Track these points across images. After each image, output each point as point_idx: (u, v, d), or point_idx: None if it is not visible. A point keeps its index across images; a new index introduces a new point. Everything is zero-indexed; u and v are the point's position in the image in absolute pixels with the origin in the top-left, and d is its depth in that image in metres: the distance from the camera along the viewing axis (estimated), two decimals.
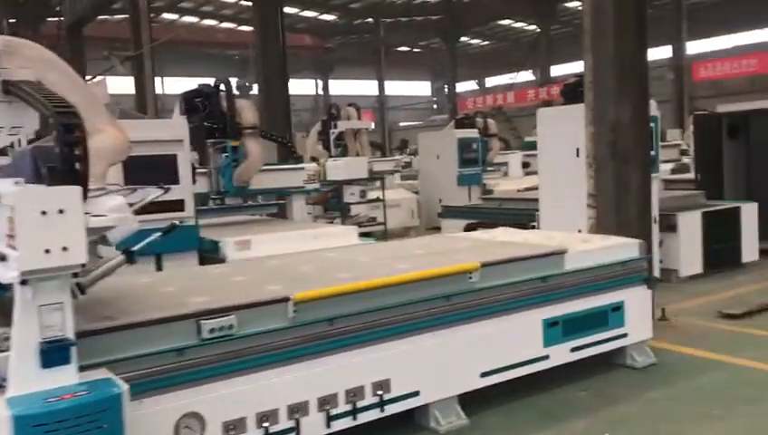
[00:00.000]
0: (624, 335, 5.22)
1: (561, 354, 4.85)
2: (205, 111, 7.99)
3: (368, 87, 46.27)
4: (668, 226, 8.39)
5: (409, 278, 4.15)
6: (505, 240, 5.54)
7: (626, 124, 6.49)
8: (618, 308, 5.18)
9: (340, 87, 49.76)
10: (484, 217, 10.86)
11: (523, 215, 9.62)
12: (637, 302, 5.31)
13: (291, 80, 45.04)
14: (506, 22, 38.95)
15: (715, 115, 10.29)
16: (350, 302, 3.88)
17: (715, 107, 10.57)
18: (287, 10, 38.74)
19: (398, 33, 42.12)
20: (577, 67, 33.31)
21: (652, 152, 7.98)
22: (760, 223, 9.21)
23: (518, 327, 4.63)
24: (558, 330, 4.82)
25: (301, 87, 48.32)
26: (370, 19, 41.04)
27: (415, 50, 47.73)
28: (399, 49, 47.39)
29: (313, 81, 48.10)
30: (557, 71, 41.74)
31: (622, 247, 5.34)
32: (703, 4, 32.88)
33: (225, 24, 40.82)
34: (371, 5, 38.29)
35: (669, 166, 14.02)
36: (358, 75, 47.19)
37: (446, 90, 42.59)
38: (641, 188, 6.66)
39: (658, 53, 32.52)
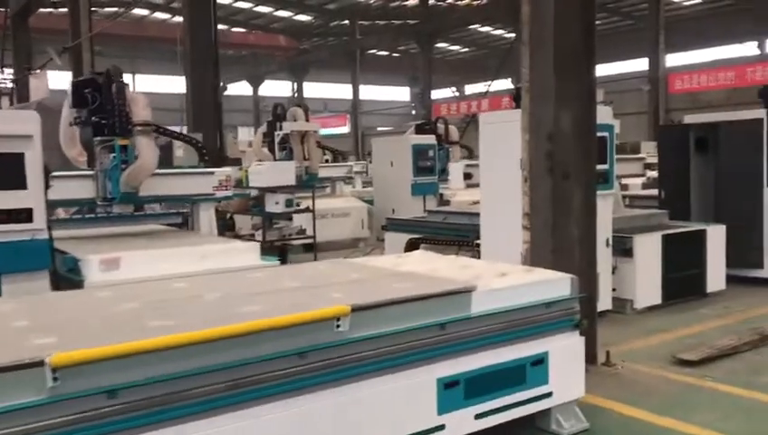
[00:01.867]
0: (547, 395, 4.18)
1: (462, 423, 3.80)
2: (94, 104, 6.89)
3: (344, 90, 45.28)
4: (623, 250, 7.41)
5: (243, 330, 3.08)
6: (409, 270, 4.49)
7: (566, 133, 5.48)
8: (540, 361, 4.14)
9: (316, 89, 48.82)
10: (429, 232, 9.85)
11: (469, 231, 8.61)
12: (565, 352, 4.28)
13: (265, 81, 43.93)
14: (485, 29, 38.14)
15: (682, 126, 9.34)
16: (139, 366, 2.79)
17: None
18: (261, 9, 38.02)
19: (374, 36, 41.17)
20: None
21: (604, 166, 7.05)
22: (728, 247, 8.27)
23: (403, 390, 3.58)
24: (458, 392, 3.77)
25: (276, 88, 47.39)
26: (347, 21, 40.09)
27: (394, 54, 46.82)
28: (378, 53, 46.50)
29: (289, 82, 47.00)
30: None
31: (549, 283, 4.31)
32: (682, 17, 32.33)
33: (178, 19, 39.57)
34: (347, 7, 37.35)
35: (640, 181, 13.13)
36: (333, 78, 46.19)
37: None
38: (584, 207, 5.65)
39: (636, 65, 32.03)
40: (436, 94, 41.64)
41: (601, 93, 25.24)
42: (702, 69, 28.08)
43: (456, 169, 8.37)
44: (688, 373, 5.43)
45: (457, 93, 46.86)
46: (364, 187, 17.96)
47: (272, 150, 13.81)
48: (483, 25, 37.39)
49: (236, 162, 12.17)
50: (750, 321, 7.00)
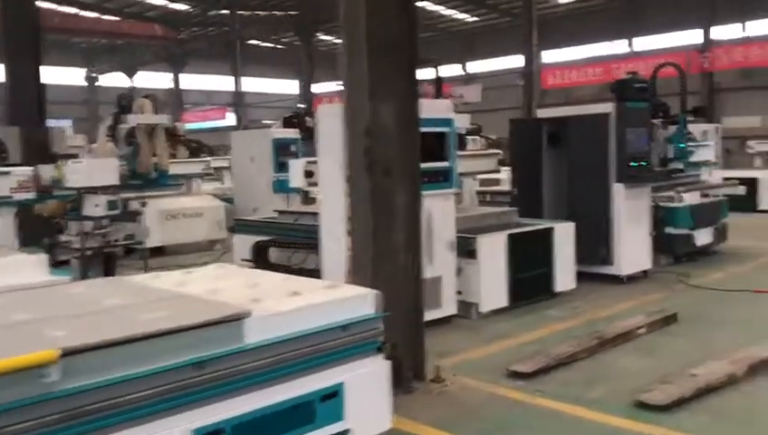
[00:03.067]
0: (343, 433, 3.62)
1: None
2: None
3: (227, 82, 43.72)
4: (468, 251, 7.01)
5: None
6: (187, 292, 3.81)
7: (386, 127, 4.96)
8: (333, 395, 3.57)
9: (198, 81, 47.11)
10: (279, 233, 9.16)
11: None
12: (365, 381, 3.74)
13: (139, 71, 41.74)
14: None
15: (534, 121, 9.11)
16: None
17: None
18: None
19: (255, 26, 39.97)
20: (447, 71, 32.62)
21: (444, 163, 6.62)
22: (579, 245, 8.06)
23: None
24: None
25: (154, 80, 45.28)
26: (226, 11, 38.67)
27: (279, 46, 45.69)
28: (262, 44, 45.25)
29: (169, 74, 44.97)
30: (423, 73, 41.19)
31: (347, 302, 3.74)
32: (557, 15, 33.15)
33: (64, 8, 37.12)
34: None
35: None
36: (215, 69, 44.59)
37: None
38: (409, 208, 5.15)
39: (516, 61, 32.48)
40: (325, 88, 40.90)
41: (479, 89, 25.46)
42: (573, 65, 28.83)
43: (295, 165, 7.71)
44: (520, 387, 5.04)
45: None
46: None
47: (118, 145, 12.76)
48: None
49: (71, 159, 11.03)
50: (596, 322, 6.77)
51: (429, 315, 6.59)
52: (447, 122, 6.70)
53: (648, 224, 8.73)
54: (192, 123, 42.54)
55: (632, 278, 8.52)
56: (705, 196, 10.31)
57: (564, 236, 7.85)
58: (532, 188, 8.96)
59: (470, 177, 9.35)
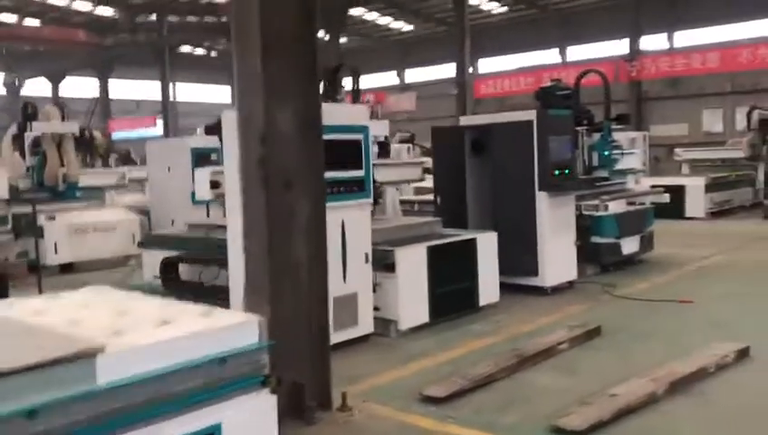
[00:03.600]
0: None
1: None
2: None
3: (157, 90, 42.45)
4: (385, 265, 6.64)
5: None
6: (43, 323, 3.31)
7: (285, 134, 4.54)
8: None
9: (127, 88, 45.82)
10: (189, 248, 8.62)
11: None
12: (248, 421, 3.30)
13: (68, 78, 40.22)
14: None
15: (457, 129, 8.84)
16: None
17: None
18: (55, 1, 34.66)
19: (186, 33, 39.05)
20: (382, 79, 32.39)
21: (359, 172, 6.25)
22: (504, 256, 7.80)
23: None
24: None
25: (80, 86, 43.80)
26: (153, 17, 37.66)
27: (212, 54, 44.79)
28: (195, 52, 44.29)
29: (96, 80, 43.46)
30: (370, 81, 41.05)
31: (227, 331, 3.30)
32: (491, 25, 33.40)
33: None
34: (154, 1, 35.05)
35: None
36: (145, 76, 43.37)
37: None
38: (314, 222, 4.74)
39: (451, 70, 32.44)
40: None
41: (413, 97, 25.30)
42: (505, 75, 28.99)
43: (200, 175, 7.22)
44: (431, 413, 4.67)
45: None
46: None
47: (23, 154, 12.00)
48: None
49: None
50: (518, 338, 6.48)
51: (344, 335, 6.24)
52: (362, 129, 6.32)
53: (572, 233, 8.55)
54: (120, 132, 41.29)
55: (557, 290, 8.31)
56: (632, 204, 10.22)
57: (488, 247, 7.57)
58: (456, 197, 8.68)
59: (393, 186, 9.00)
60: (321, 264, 4.83)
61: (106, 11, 36.92)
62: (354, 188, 6.25)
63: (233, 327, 3.35)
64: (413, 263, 6.78)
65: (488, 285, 7.56)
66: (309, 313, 4.75)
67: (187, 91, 44.55)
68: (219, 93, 46.46)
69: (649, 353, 5.85)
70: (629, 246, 9.70)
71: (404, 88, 39.37)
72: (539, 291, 8.18)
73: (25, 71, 44.04)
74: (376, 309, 6.71)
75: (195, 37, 39.23)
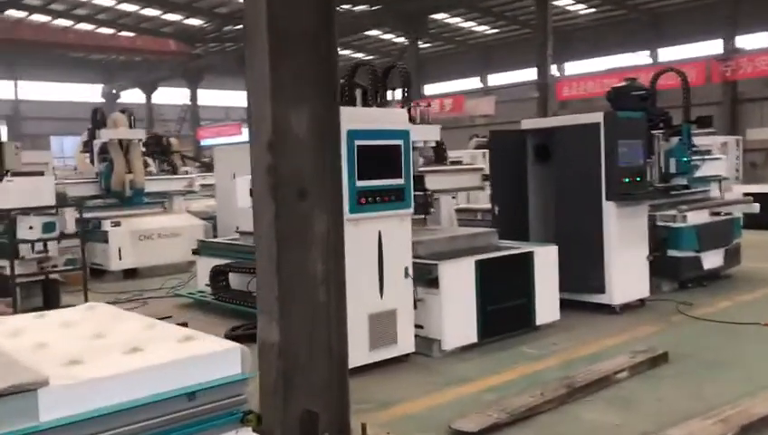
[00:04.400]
0: None
1: None
2: None
3: (243, 98, 43.32)
4: (428, 280, 6.17)
5: None
6: (9, 346, 3.05)
7: (299, 140, 4.15)
8: None
9: (215, 97, 47.14)
10: (239, 256, 8.43)
11: None
12: None
13: (160, 88, 41.70)
14: (375, 33, 37.37)
15: (517, 133, 8.25)
16: None
17: None
18: (148, 12, 35.91)
19: None
20: (449, 86, 32.09)
21: (399, 181, 5.83)
22: (567, 271, 7.20)
23: None
24: None
25: (171, 96, 45.32)
26: (240, 26, 38.40)
27: None
28: None
29: (186, 90, 44.80)
30: (432, 89, 40.66)
31: (200, 361, 2.94)
32: (579, 26, 32.29)
33: (83, 25, 37.20)
34: (239, 11, 35.69)
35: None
36: (234, 85, 44.40)
37: None
38: (332, 235, 4.34)
39: (531, 74, 31.61)
40: None
41: (492, 101, 24.61)
42: (590, 76, 27.89)
43: (240, 184, 6.96)
44: None
45: None
46: None
47: (92, 161, 12.22)
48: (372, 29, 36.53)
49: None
50: (574, 362, 5.88)
51: (381, 354, 5.83)
52: (402, 134, 5.90)
53: (645, 246, 7.81)
54: (207, 139, 42.41)
55: (626, 308, 7.60)
56: (716, 214, 9.30)
57: (546, 261, 6.98)
58: (516, 206, 8.11)
59: (449, 194, 8.50)
60: (338, 282, 4.41)
61: (195, 21, 37.92)
62: (392, 198, 5.83)
63: (209, 357, 2.99)
64: (459, 278, 6.28)
65: (547, 303, 6.96)
66: (325, 335, 4.34)
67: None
68: None
69: (722, 387, 5.14)
70: (711, 260, 8.84)
71: (487, 92, 38.64)
72: (605, 309, 7.51)
73: (122, 81, 45.96)
74: (419, 327, 6.27)
75: None
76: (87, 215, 11.94)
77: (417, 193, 7.34)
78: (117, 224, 11.35)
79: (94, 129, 12.06)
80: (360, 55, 42.68)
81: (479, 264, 6.40)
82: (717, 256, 8.96)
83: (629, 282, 7.61)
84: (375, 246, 5.77)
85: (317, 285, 4.37)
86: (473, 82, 40.98)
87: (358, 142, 5.56)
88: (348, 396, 4.48)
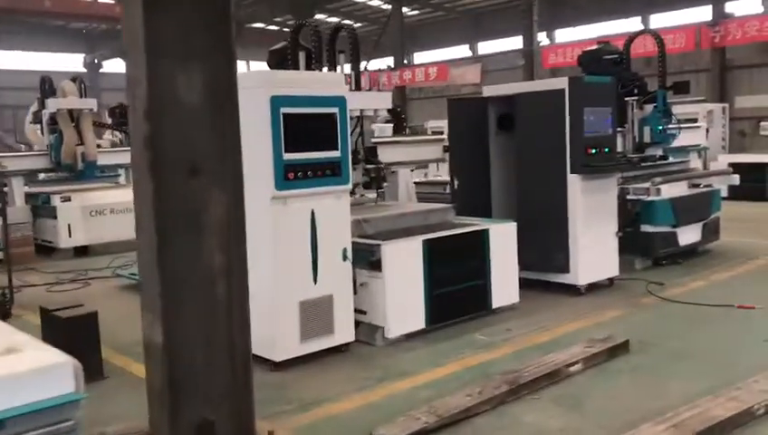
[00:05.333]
0: None
1: None
2: None
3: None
4: (370, 262, 5.63)
5: None
6: None
7: (189, 106, 3.56)
8: None
9: None
10: None
11: None
12: None
13: None
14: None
15: (478, 100, 7.66)
16: None
17: None
18: None
19: (250, 8, 38.63)
20: (439, 54, 31.39)
21: (334, 153, 5.27)
22: (531, 248, 6.69)
23: None
24: None
25: None
26: None
27: (285, 29, 44.26)
28: (267, 27, 43.95)
29: None
30: (422, 58, 39.82)
31: (14, 381, 2.40)
32: None
33: None
34: None
35: None
36: None
37: None
38: (230, 219, 3.77)
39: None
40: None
41: (477, 69, 23.89)
42: (576, 44, 27.10)
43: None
44: None
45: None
46: None
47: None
48: None
49: None
50: (529, 352, 5.37)
51: (315, 345, 5.32)
52: (337, 101, 5.30)
53: (613, 222, 7.27)
54: None
55: (593, 288, 7.09)
56: (696, 186, 8.75)
57: (504, 239, 6.44)
58: (478, 180, 7.55)
59: (407, 167, 7.91)
60: (240, 273, 3.85)
61: None
62: (327, 172, 5.25)
63: (29, 375, 2.43)
64: (405, 259, 5.73)
65: (504, 285, 6.44)
66: (225, 334, 3.79)
67: (259, 67, 44.35)
68: None
69: (684, 381, 4.64)
70: (688, 235, 8.32)
71: (477, 60, 37.83)
72: (570, 290, 6.99)
73: (104, 50, 44.89)
74: (362, 313, 5.75)
75: (259, 12, 38.73)
76: (36, 189, 11.46)
77: (368, 166, 6.83)
78: (67, 199, 10.76)
79: (43, 98, 11.41)
80: (348, 22, 41.83)
81: (427, 243, 5.85)
82: (694, 232, 8.44)
83: (596, 261, 7.08)
84: (307, 227, 5.21)
85: (214, 277, 3.79)
86: (463, 51, 40.16)
87: (284, 110, 4.98)
88: (252, 401, 3.94)
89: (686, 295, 6.85)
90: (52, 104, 10.99)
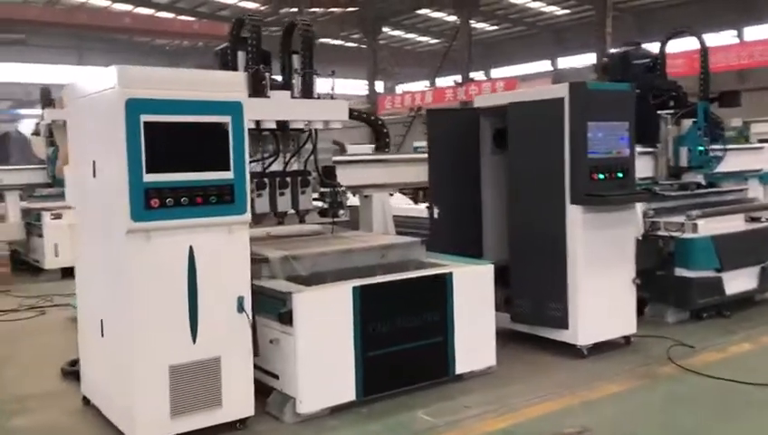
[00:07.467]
0: None
1: None
2: None
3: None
4: (281, 314, 4.38)
5: None
6: None
7: None
8: None
9: None
10: None
11: None
12: None
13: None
14: (437, 15, 35.67)
15: (467, 112, 6.32)
16: None
17: None
18: None
19: (321, 24, 38.33)
20: (517, 70, 30.15)
21: (225, 174, 4.14)
22: (520, 297, 5.34)
23: None
24: None
25: None
26: (295, 9, 37.29)
27: (348, 44, 43.87)
28: (332, 42, 43.63)
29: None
30: (500, 72, 38.45)
31: None
32: (658, 5, 29.39)
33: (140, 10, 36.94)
34: None
35: None
36: None
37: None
38: None
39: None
40: (410, 87, 38.84)
41: (548, 83, 22.22)
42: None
43: None
44: None
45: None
46: None
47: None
48: (433, 11, 34.54)
49: None
50: None
51: (192, 423, 4.13)
52: (229, 107, 4.13)
53: (629, 266, 5.74)
54: None
55: (601, 348, 5.58)
56: (756, 220, 7.05)
57: (475, 285, 5.08)
58: (465, 209, 6.20)
59: (384, 191, 6.63)
60: None
61: (250, 4, 37.09)
62: (212, 199, 4.08)
63: None
64: (327, 311, 4.47)
65: (474, 344, 5.07)
66: None
67: (324, 84, 43.82)
68: (352, 85, 45.47)
69: None
70: (739, 282, 6.65)
71: (556, 76, 36.10)
72: (570, 351, 5.53)
73: (184, 66, 45.63)
74: (275, 377, 4.55)
75: (331, 28, 38.40)
76: (32, 205, 10.89)
77: (323, 190, 5.68)
78: (57, 216, 10.09)
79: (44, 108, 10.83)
80: (412, 36, 40.93)
81: (360, 290, 4.57)
82: (748, 277, 6.76)
83: (604, 314, 5.57)
84: (183, 268, 4.04)
85: None
86: (544, 66, 38.60)
87: (145, 118, 3.85)
88: None
89: (722, 365, 5.24)
90: (49, 115, 10.35)
